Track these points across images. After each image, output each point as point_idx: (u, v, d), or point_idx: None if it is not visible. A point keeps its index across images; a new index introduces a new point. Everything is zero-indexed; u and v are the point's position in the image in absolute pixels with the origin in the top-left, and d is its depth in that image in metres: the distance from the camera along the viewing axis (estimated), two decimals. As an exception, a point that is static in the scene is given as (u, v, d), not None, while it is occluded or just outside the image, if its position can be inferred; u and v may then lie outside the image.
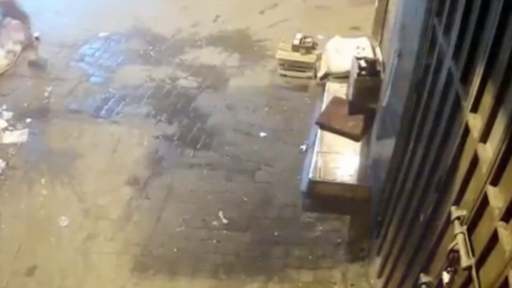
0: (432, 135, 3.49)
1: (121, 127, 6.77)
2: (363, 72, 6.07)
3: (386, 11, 6.73)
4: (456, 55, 3.06)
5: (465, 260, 2.52)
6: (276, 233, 5.57)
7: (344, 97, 6.59)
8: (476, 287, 2.44)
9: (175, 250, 5.40)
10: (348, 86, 6.54)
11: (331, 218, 5.66)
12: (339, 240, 5.49)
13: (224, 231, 5.59)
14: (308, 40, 7.58)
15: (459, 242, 2.60)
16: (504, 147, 2.28)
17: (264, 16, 8.74)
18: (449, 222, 2.86)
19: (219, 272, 5.24)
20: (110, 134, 6.67)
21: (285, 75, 7.55)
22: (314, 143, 6.15)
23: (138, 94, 7.26)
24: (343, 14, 8.45)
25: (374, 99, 5.84)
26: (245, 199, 5.90)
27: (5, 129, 6.67)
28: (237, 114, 6.99)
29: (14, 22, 7.90)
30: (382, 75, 5.94)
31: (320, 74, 7.35)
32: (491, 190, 2.39)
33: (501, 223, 2.23)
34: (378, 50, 6.99)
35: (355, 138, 6.07)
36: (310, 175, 5.74)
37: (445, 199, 3.13)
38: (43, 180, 6.05)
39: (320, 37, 7.81)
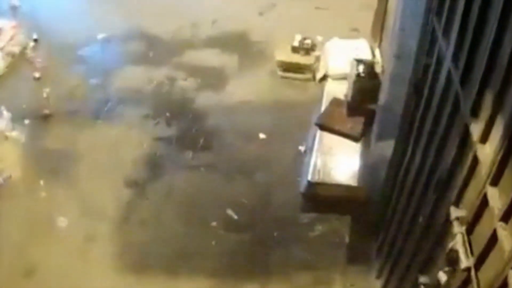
0: (432, 136, 3.51)
1: (120, 128, 6.75)
2: (362, 74, 6.09)
3: (385, 12, 6.74)
4: (455, 57, 3.07)
5: (464, 261, 2.53)
6: (275, 234, 5.57)
7: (343, 98, 6.60)
8: (475, 287, 2.45)
9: (175, 250, 5.40)
10: (347, 88, 6.55)
11: (330, 218, 5.67)
12: (338, 241, 5.50)
13: (224, 232, 5.59)
14: (307, 41, 7.58)
15: (458, 242, 2.62)
16: (503, 148, 2.29)
17: (263, 17, 8.74)
18: (448, 223, 2.88)
19: (218, 272, 5.24)
20: (109, 135, 6.65)
21: (284, 77, 7.55)
22: (313, 144, 6.16)
23: (137, 96, 7.24)
24: (342, 16, 8.45)
25: (373, 100, 5.85)
26: (245, 200, 5.90)
27: (4, 130, 6.66)
28: (236, 116, 6.98)
29: (13, 24, 7.90)
30: (381, 77, 5.96)
31: (319, 75, 7.36)
32: (490, 191, 2.40)
33: (500, 223, 2.25)
34: (377, 51, 7.02)
35: (354, 139, 6.08)
36: (309, 177, 5.76)
37: (444, 200, 3.15)
38: (42, 181, 6.03)
39: (319, 38, 7.81)
